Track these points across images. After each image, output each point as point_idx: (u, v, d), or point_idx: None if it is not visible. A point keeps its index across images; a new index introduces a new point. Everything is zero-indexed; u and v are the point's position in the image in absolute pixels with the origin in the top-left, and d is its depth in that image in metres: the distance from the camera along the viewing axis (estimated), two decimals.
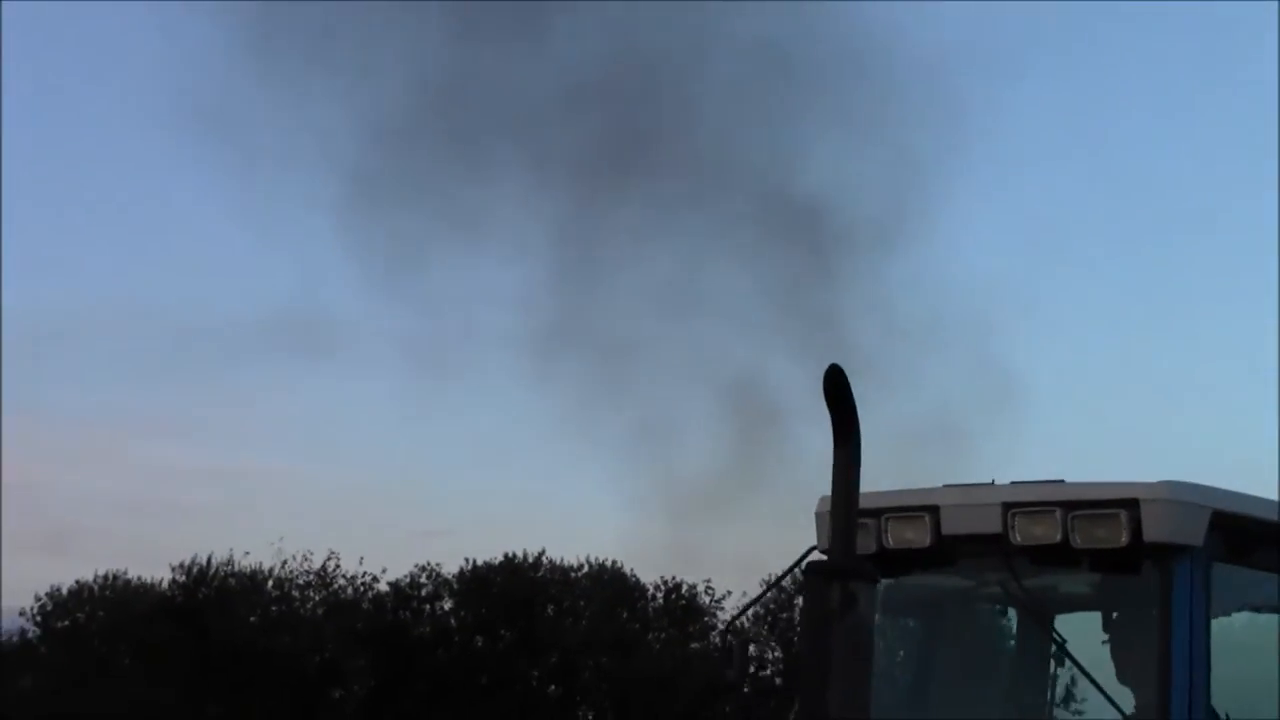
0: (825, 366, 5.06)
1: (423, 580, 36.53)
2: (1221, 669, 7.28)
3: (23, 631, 33.77)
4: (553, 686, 37.13)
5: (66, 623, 33.73)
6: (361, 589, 35.40)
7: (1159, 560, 6.78)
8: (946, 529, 6.84)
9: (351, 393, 43.91)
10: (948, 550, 6.89)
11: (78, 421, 45.31)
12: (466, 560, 36.69)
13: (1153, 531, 6.68)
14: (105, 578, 33.49)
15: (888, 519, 6.89)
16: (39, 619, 33.77)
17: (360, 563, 35.20)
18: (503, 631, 36.78)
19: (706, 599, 37.99)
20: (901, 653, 7.67)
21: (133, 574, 33.46)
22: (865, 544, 6.73)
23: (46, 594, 33.77)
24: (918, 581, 7.17)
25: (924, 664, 7.38)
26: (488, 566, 36.63)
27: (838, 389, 5.10)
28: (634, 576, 36.66)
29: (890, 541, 6.86)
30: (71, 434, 45.08)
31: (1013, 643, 7.46)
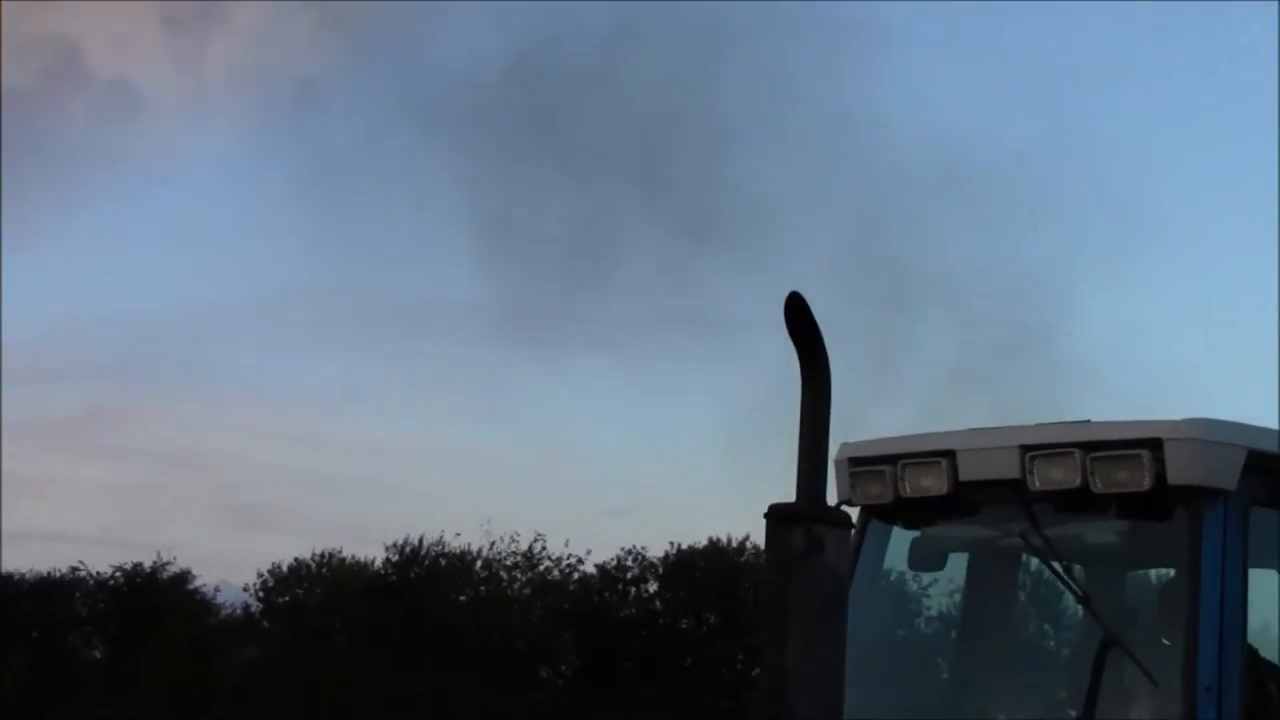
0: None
1: (629, 563, 37.19)
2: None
3: (246, 606, 35.17)
4: (757, 670, 37.43)
5: (287, 598, 35.00)
6: (567, 570, 36.17)
7: (1187, 505, 6.25)
8: (964, 475, 6.43)
9: (520, 370, 44.76)
10: (967, 498, 6.50)
11: (274, 400, 46.98)
12: (671, 544, 37.29)
13: (1178, 474, 6.18)
14: (322, 556, 34.69)
15: (904, 465, 6.53)
16: (261, 594, 35.09)
17: (565, 545, 35.99)
18: (707, 614, 37.26)
19: (914, 586, 38.04)
20: (930, 608, 7.55)
21: (347, 553, 34.64)
22: (882, 493, 6.63)
23: (268, 570, 35.10)
24: (940, 532, 6.89)
25: (951, 620, 7.31)
26: (691, 550, 37.15)
27: (800, 317, 4.67)
28: None
29: (908, 490, 6.54)
30: (271, 412, 46.75)
31: (1039, 596, 7.32)
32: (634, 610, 37.05)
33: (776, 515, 4.79)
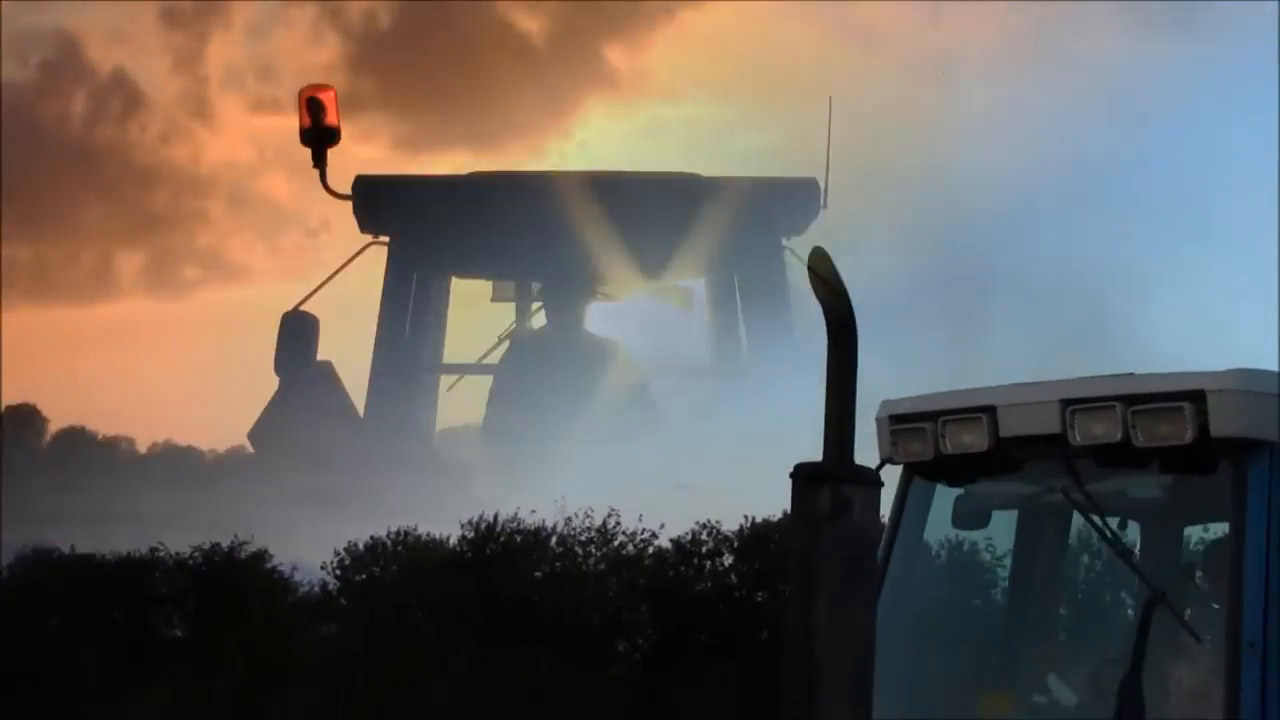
0: None
1: (703, 537, 37.18)
2: None
3: (324, 584, 35.46)
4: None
5: (363, 576, 35.23)
6: (641, 545, 36.21)
7: (1231, 457, 6.26)
8: (1005, 431, 6.45)
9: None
10: (1009, 454, 6.51)
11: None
12: (745, 517, 37.24)
13: (1221, 426, 6.19)
14: (398, 534, 34.89)
15: (945, 422, 6.53)
16: (338, 573, 35.34)
17: (639, 519, 36.00)
18: (783, 587, 37.22)
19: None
20: (976, 566, 7.53)
21: (422, 530, 34.80)
22: (923, 450, 6.64)
23: (345, 549, 35.34)
24: (983, 489, 6.96)
25: (998, 577, 7.29)
26: (766, 523, 37.09)
27: (825, 275, 4.74)
28: None
29: (948, 446, 6.53)
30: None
31: (1088, 553, 7.28)
32: (709, 584, 37.01)
33: (803, 475, 4.84)
